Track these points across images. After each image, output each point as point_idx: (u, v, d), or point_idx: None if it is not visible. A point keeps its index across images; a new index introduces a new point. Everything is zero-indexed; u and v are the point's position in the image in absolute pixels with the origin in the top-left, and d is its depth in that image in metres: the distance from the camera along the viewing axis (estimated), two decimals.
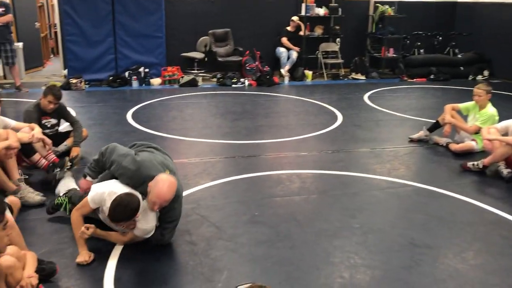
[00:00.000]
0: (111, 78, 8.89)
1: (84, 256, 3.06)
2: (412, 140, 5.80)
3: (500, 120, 5.06)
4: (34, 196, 3.90)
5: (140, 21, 9.03)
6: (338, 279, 3.00)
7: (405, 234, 3.58)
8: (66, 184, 3.99)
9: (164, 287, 2.87)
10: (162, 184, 3.02)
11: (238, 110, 7.32)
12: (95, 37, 8.91)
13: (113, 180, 3.26)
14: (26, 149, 4.14)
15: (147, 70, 9.05)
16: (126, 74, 8.98)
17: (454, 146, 5.39)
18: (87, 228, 3.10)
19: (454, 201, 4.19)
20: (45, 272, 2.81)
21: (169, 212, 3.24)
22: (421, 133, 5.81)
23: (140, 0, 8.95)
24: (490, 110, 5.24)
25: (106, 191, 3.14)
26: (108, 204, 3.05)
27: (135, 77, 8.94)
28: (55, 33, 11.78)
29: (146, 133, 5.96)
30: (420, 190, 4.42)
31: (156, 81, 9.11)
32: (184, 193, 4.14)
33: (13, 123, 4.48)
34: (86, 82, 8.78)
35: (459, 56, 10.72)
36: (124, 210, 2.95)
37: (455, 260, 3.23)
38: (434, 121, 5.81)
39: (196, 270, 3.04)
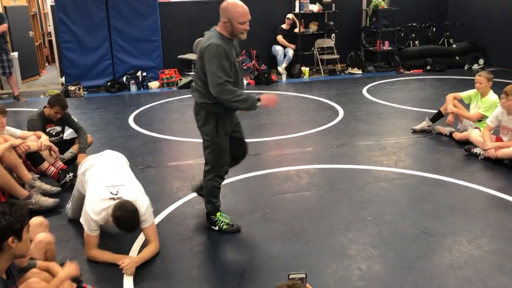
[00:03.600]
0: (109, 83, 8.88)
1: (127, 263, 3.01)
2: (415, 131, 5.84)
3: None
4: (48, 199, 3.89)
5: (136, 26, 9.02)
6: (356, 271, 3.02)
7: (417, 224, 3.60)
8: None
9: None
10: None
11: None
12: (91, 43, 8.90)
13: (87, 202, 3.15)
14: (34, 158, 4.14)
15: (144, 74, 9.05)
16: (124, 79, 8.97)
17: (458, 135, 5.42)
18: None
19: (463, 189, 4.22)
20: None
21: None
22: (424, 124, 5.84)
23: (134, 4, 8.94)
24: (492, 97, 5.28)
25: (94, 217, 3.05)
26: (109, 217, 3.03)
27: (133, 81, 8.93)
28: (50, 41, 11.74)
29: (150, 136, 5.96)
30: (428, 179, 4.44)
31: (154, 85, 9.11)
32: (195, 194, 4.17)
33: (18, 132, 4.49)
34: (84, 89, 8.77)
35: (454, 46, 10.76)
36: (131, 221, 2.99)
37: (470, 247, 3.26)
38: (436, 111, 5.85)
39: (212, 268, 3.05)
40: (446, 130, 5.64)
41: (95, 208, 3.04)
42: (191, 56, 9.66)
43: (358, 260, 3.13)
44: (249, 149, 5.34)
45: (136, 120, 6.74)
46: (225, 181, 4.40)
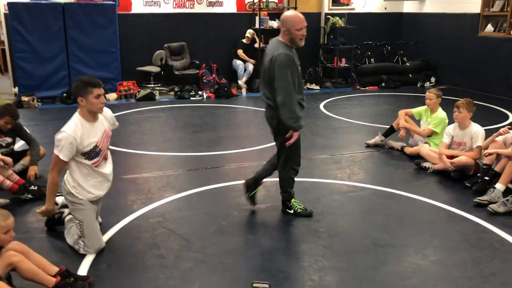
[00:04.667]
0: (65, 94, 8.69)
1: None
2: (368, 146, 6.02)
3: (449, 123, 5.34)
4: None
5: (93, 36, 8.88)
6: (308, 282, 3.07)
7: (368, 235, 3.71)
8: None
9: None
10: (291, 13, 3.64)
11: (198, 122, 7.33)
12: (46, 54, 8.68)
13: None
14: None
15: None
16: None
17: (409, 150, 5.63)
18: None
19: (412, 201, 4.39)
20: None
21: None
22: (377, 138, 6.04)
23: (92, 15, 8.81)
24: (441, 114, 5.52)
25: (69, 134, 3.18)
26: (78, 140, 3.19)
27: None
28: (2, 50, 11.39)
29: None
30: (380, 192, 4.59)
31: (112, 96, 8.97)
32: (150, 207, 4.16)
33: None
34: (39, 100, 8.54)
35: (407, 64, 11.20)
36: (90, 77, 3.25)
37: (417, 257, 3.39)
38: (389, 126, 6.06)
39: (167, 283, 3.04)
40: (397, 144, 5.84)
41: (69, 127, 3.21)
42: (150, 68, 9.61)
43: (310, 271, 3.19)
44: (207, 162, 5.42)
45: None
46: (180, 195, 4.45)
